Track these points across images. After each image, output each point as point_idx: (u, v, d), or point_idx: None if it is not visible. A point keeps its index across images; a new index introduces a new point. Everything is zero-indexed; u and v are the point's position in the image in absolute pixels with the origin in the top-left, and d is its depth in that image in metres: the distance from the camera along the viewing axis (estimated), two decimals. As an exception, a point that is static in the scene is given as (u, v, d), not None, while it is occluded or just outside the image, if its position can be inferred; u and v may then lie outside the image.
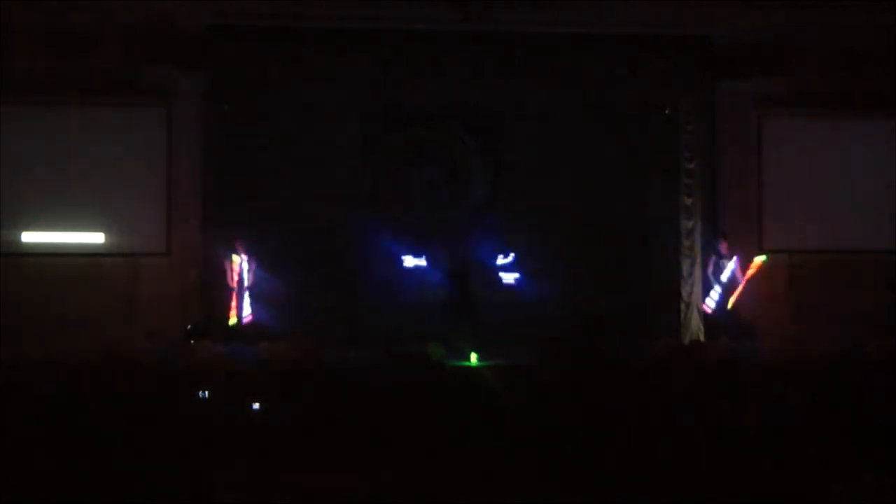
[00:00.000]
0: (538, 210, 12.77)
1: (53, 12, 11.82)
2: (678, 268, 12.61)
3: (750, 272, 12.12)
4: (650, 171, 12.85)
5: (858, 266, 12.58)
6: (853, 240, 12.65)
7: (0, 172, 11.72)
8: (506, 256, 12.67)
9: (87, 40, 11.94)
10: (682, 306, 12.56)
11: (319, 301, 12.07)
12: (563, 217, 12.76)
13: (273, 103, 12.36)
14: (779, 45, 12.54)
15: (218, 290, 11.75)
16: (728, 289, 12.13)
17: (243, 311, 11.58)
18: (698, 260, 12.41)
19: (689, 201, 12.61)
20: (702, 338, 12.21)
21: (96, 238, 12.08)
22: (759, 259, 12.17)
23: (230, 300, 11.53)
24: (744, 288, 12.09)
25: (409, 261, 12.56)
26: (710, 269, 12.27)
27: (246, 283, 11.61)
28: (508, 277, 12.60)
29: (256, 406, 7.90)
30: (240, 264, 11.55)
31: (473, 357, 11.33)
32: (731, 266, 12.15)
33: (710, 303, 12.18)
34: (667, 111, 12.76)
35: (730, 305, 12.12)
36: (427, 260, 12.58)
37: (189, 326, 11.52)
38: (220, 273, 11.68)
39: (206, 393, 8.24)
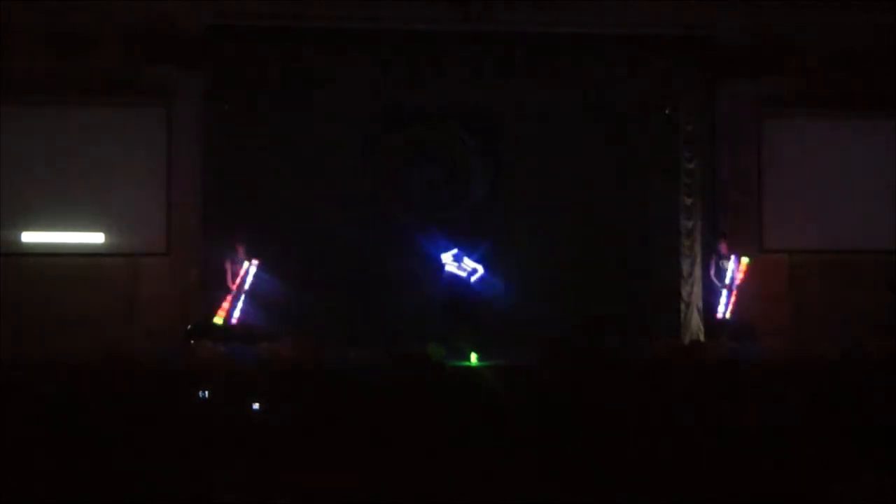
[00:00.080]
0: (538, 210, 12.78)
1: (53, 12, 11.82)
2: (678, 268, 12.63)
3: (739, 275, 12.11)
4: (650, 171, 12.85)
5: (858, 266, 12.58)
6: (853, 240, 12.65)
7: (0, 172, 11.72)
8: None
9: (87, 40, 11.94)
10: (682, 306, 12.58)
11: (319, 301, 12.07)
12: (563, 217, 12.76)
13: (273, 103, 12.37)
14: (779, 45, 12.55)
15: (218, 291, 11.75)
16: (730, 291, 12.13)
17: (235, 311, 11.55)
18: (698, 260, 12.42)
19: (689, 201, 12.62)
20: (702, 338, 12.21)
21: (96, 238, 12.09)
22: (745, 261, 12.15)
23: (223, 300, 11.51)
24: (738, 290, 12.08)
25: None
26: (713, 271, 12.25)
27: (246, 287, 11.61)
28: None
29: (256, 406, 7.90)
30: (246, 269, 11.55)
31: (473, 357, 11.33)
32: (731, 266, 12.14)
33: (721, 308, 12.14)
34: (667, 111, 12.78)
35: (728, 313, 12.10)
36: (427, 260, 12.57)
37: (189, 326, 11.51)
38: (220, 273, 11.68)
39: (206, 393, 8.24)
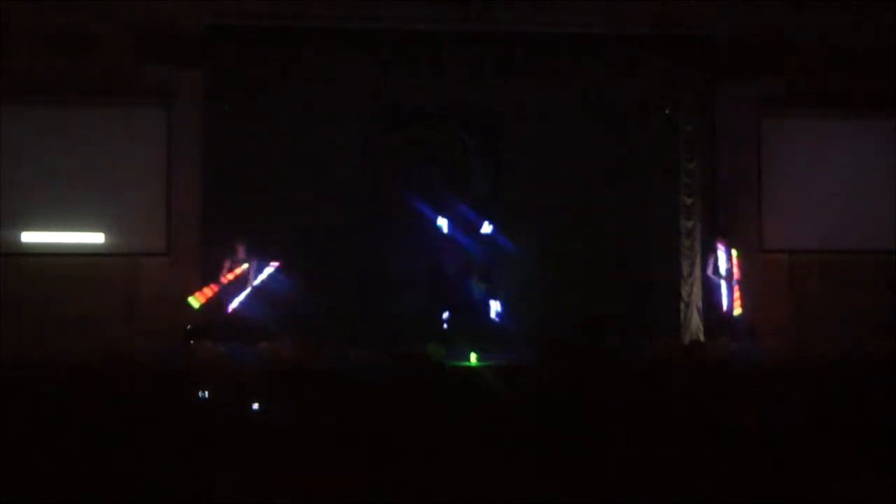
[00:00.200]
0: (538, 210, 12.77)
1: (53, 12, 11.83)
2: (678, 268, 12.63)
3: (736, 270, 12.07)
4: (650, 171, 12.85)
5: (858, 266, 12.59)
6: (853, 240, 12.66)
7: (0, 172, 11.72)
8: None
9: (87, 40, 11.94)
10: (682, 306, 12.59)
11: (319, 301, 12.06)
12: (563, 217, 12.75)
13: (273, 103, 12.36)
14: (779, 45, 12.55)
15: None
16: (729, 285, 12.08)
17: (233, 303, 11.53)
18: (698, 260, 12.43)
19: (689, 201, 12.63)
20: (702, 338, 12.21)
21: (96, 238, 12.09)
22: (734, 253, 12.13)
23: (208, 287, 11.49)
24: (740, 284, 12.03)
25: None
26: (710, 269, 12.25)
27: (256, 282, 11.60)
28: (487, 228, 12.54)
29: (256, 406, 7.90)
30: (247, 268, 11.56)
31: (473, 357, 11.33)
32: (723, 258, 12.09)
33: (724, 301, 12.08)
34: (667, 111, 12.78)
35: (737, 310, 12.02)
36: (427, 260, 12.57)
37: (189, 326, 11.51)
38: (220, 272, 11.68)
39: (206, 393, 8.24)
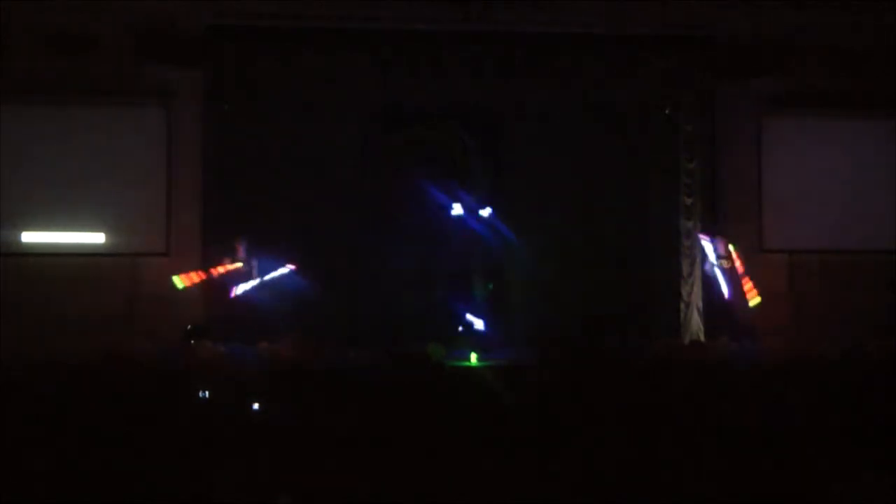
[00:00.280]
0: (538, 210, 12.76)
1: (53, 12, 11.83)
2: (678, 268, 12.63)
3: (738, 262, 12.02)
4: (650, 171, 12.84)
5: (858, 266, 12.58)
6: (853, 240, 12.65)
7: (0, 172, 11.72)
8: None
9: (87, 40, 11.94)
10: (682, 306, 12.58)
11: (319, 301, 12.06)
12: (562, 217, 12.74)
13: (273, 103, 12.35)
14: (779, 45, 12.54)
15: (217, 290, 11.76)
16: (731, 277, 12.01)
17: (238, 289, 11.53)
18: (698, 260, 12.42)
19: (689, 201, 12.63)
20: (702, 338, 12.21)
21: (96, 238, 12.08)
22: (731, 247, 12.12)
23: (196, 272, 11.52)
24: (745, 280, 11.99)
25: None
26: (707, 266, 12.23)
27: (245, 278, 11.60)
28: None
29: (256, 406, 7.90)
30: (244, 267, 11.56)
31: (473, 357, 11.33)
32: (710, 249, 12.08)
33: (724, 287, 12.03)
34: (667, 111, 12.77)
35: (753, 300, 11.85)
36: (427, 260, 12.56)
37: (189, 326, 11.51)
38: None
39: (206, 393, 8.24)
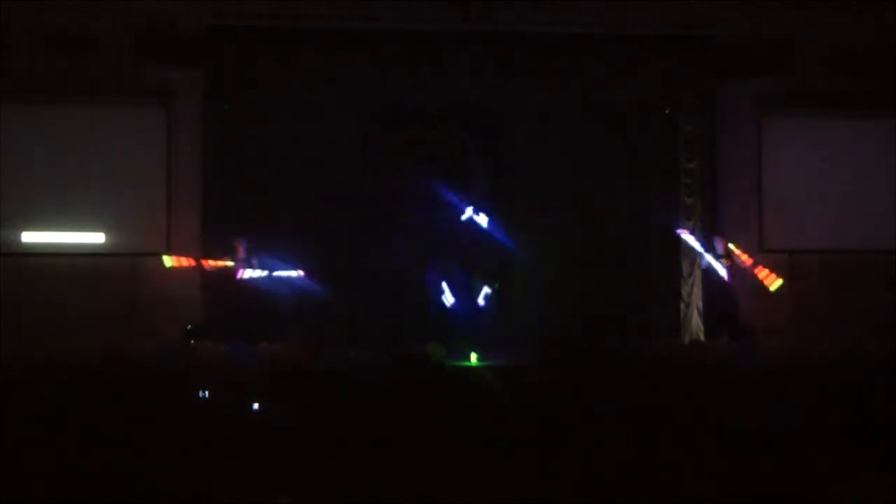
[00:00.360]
0: (538, 210, 12.77)
1: (53, 12, 11.84)
2: (678, 268, 12.64)
3: (741, 257, 12.02)
4: (650, 171, 12.85)
5: (858, 266, 12.59)
6: (853, 240, 12.66)
7: (0, 172, 11.72)
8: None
9: (87, 40, 11.95)
10: (682, 306, 12.60)
11: (319, 301, 12.06)
12: (563, 217, 12.76)
13: (273, 103, 12.37)
14: (779, 45, 12.56)
15: (218, 290, 11.76)
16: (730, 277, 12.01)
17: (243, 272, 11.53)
18: (698, 260, 12.42)
19: (689, 201, 12.64)
20: (702, 338, 12.22)
21: (96, 238, 12.09)
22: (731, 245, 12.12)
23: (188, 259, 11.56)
24: (759, 269, 11.96)
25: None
26: (703, 262, 12.24)
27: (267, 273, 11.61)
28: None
29: (256, 406, 7.90)
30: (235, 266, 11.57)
31: (473, 357, 11.33)
32: (692, 240, 12.10)
33: (722, 271, 12.03)
34: (667, 111, 12.78)
35: (775, 284, 11.82)
36: (427, 260, 12.56)
37: (189, 326, 11.51)
38: (220, 272, 11.67)
39: (206, 393, 8.24)
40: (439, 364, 9.84)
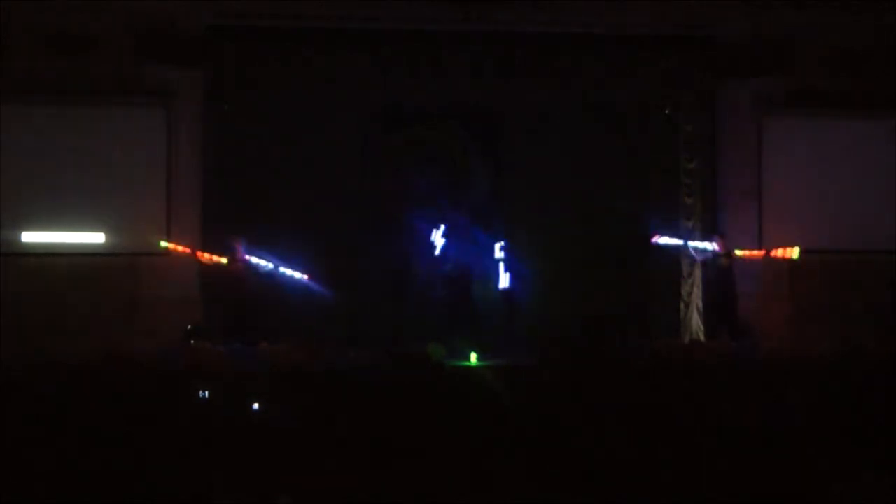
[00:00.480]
0: (538, 210, 12.76)
1: (53, 12, 11.83)
2: (678, 268, 12.64)
3: (754, 254, 12.04)
4: (650, 171, 12.84)
5: (858, 266, 12.58)
6: (853, 240, 12.65)
7: (0, 172, 11.72)
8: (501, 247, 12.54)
9: (87, 40, 11.95)
10: (682, 306, 12.59)
11: (320, 301, 12.06)
12: (563, 217, 12.75)
13: (273, 103, 12.37)
14: (779, 45, 12.55)
15: (218, 290, 11.77)
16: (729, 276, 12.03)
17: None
18: (698, 260, 12.42)
19: (689, 201, 12.64)
20: (702, 338, 12.22)
21: (96, 238, 12.09)
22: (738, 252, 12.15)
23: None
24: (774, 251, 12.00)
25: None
26: (699, 258, 12.28)
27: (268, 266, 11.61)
28: (505, 280, 12.50)
29: (256, 406, 7.90)
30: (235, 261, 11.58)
31: (473, 357, 11.34)
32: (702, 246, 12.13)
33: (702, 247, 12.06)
34: (667, 111, 12.78)
35: (794, 253, 11.83)
36: (427, 260, 12.56)
37: (189, 326, 11.51)
38: (221, 272, 11.68)
39: (206, 393, 8.24)
40: (439, 364, 9.85)
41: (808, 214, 12.66)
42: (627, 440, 6.63)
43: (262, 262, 11.57)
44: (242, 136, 12.26)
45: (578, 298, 12.44)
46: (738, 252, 11.99)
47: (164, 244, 11.65)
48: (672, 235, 12.38)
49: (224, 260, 11.49)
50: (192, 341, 11.22)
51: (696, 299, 12.49)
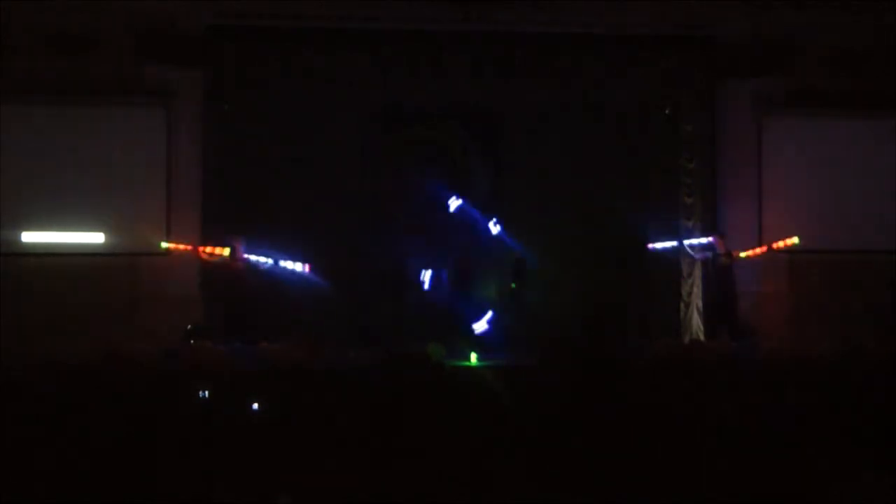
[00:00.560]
0: (538, 210, 12.77)
1: (53, 12, 11.84)
2: (678, 268, 12.64)
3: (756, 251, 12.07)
4: (650, 171, 12.85)
5: (858, 266, 12.58)
6: (853, 240, 12.65)
7: (0, 172, 11.72)
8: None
9: (87, 40, 11.96)
10: (682, 306, 12.59)
11: (319, 301, 12.06)
12: (563, 217, 12.75)
13: (273, 103, 12.37)
14: (779, 45, 12.56)
15: (217, 290, 11.77)
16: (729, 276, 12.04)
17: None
18: (698, 260, 12.43)
19: (689, 201, 12.64)
20: (702, 338, 12.22)
21: (96, 238, 12.09)
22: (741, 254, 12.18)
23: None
24: (775, 245, 12.05)
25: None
26: (699, 255, 12.29)
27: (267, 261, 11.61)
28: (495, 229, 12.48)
29: (256, 406, 7.90)
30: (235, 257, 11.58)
31: (473, 357, 11.33)
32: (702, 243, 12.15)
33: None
34: (667, 111, 12.79)
35: (794, 240, 11.92)
36: (427, 260, 12.56)
37: (189, 326, 11.51)
38: (220, 272, 11.67)
39: (206, 393, 8.24)
40: (439, 364, 9.84)
41: (808, 214, 12.65)
42: (627, 440, 6.63)
43: (262, 259, 11.58)
44: (242, 136, 12.27)
45: (578, 298, 12.45)
46: (741, 254, 12.01)
47: (164, 245, 11.66)
48: (672, 235, 12.40)
49: (226, 251, 11.48)
50: (192, 341, 11.22)
51: (696, 299, 12.49)
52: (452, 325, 12.00)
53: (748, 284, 12.20)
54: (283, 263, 11.66)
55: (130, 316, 11.88)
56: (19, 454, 6.26)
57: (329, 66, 12.32)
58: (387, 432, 6.87)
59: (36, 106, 11.99)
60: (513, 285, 12.49)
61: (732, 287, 12.04)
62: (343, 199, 12.49)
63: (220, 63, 12.13)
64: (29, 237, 11.96)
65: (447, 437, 6.75)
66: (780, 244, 12.02)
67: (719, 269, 12.10)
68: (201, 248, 11.59)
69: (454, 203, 12.46)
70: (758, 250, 12.09)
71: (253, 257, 11.55)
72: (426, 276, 12.38)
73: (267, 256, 11.63)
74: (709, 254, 12.17)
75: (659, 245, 12.29)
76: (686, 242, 12.32)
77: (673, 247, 12.36)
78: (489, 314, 12.23)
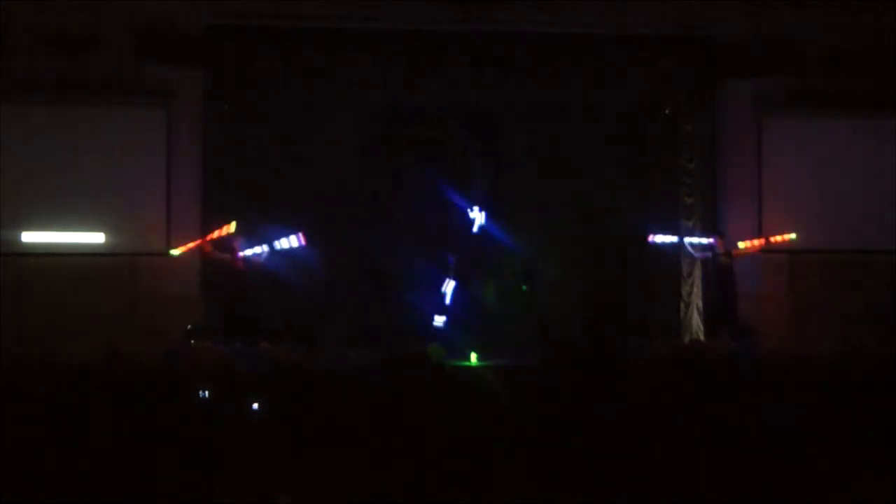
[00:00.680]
0: (538, 210, 12.77)
1: (53, 12, 11.83)
2: (678, 268, 12.64)
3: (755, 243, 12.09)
4: (650, 171, 12.85)
5: (858, 266, 12.58)
6: (853, 240, 12.65)
7: (0, 172, 11.72)
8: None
9: (87, 40, 11.95)
10: (682, 306, 12.59)
11: (320, 301, 12.06)
12: (563, 217, 12.76)
13: (273, 103, 12.37)
14: (779, 45, 12.56)
15: (217, 290, 11.77)
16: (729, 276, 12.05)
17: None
18: (698, 259, 12.42)
19: (689, 201, 12.64)
20: (702, 338, 12.22)
21: (96, 238, 12.08)
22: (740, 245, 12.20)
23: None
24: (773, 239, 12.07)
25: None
26: (699, 255, 12.30)
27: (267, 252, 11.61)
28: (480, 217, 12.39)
29: (256, 406, 7.90)
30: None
31: (473, 357, 11.34)
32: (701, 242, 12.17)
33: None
34: (667, 111, 12.78)
35: (790, 235, 11.98)
36: (427, 260, 12.56)
37: (189, 326, 11.51)
38: (220, 272, 11.67)
39: (206, 393, 8.24)
40: (439, 364, 9.86)
41: (808, 214, 12.65)
42: (627, 440, 6.64)
43: (257, 250, 11.55)
44: (242, 135, 12.26)
45: (578, 298, 12.45)
46: (739, 244, 12.01)
47: (174, 252, 11.59)
48: (672, 235, 12.40)
49: (233, 226, 11.45)
50: (192, 341, 11.23)
51: (696, 299, 12.49)
52: (453, 325, 12.00)
53: (748, 284, 12.18)
54: (277, 244, 11.58)
55: (130, 316, 11.87)
56: (19, 454, 6.26)
57: (329, 66, 12.31)
58: (387, 432, 6.87)
59: (36, 106, 11.98)
60: (523, 287, 12.49)
61: (732, 287, 12.03)
62: (343, 199, 12.49)
63: (220, 63, 12.13)
64: (29, 237, 11.95)
65: (447, 437, 6.75)
66: (778, 238, 12.02)
67: (719, 269, 12.10)
68: (209, 236, 11.56)
69: (478, 218, 12.34)
70: (755, 242, 12.10)
71: (249, 251, 11.53)
72: (448, 287, 12.21)
73: (260, 245, 11.58)
74: (709, 253, 12.18)
75: (659, 239, 12.25)
76: (686, 240, 12.30)
77: (672, 242, 12.32)
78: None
